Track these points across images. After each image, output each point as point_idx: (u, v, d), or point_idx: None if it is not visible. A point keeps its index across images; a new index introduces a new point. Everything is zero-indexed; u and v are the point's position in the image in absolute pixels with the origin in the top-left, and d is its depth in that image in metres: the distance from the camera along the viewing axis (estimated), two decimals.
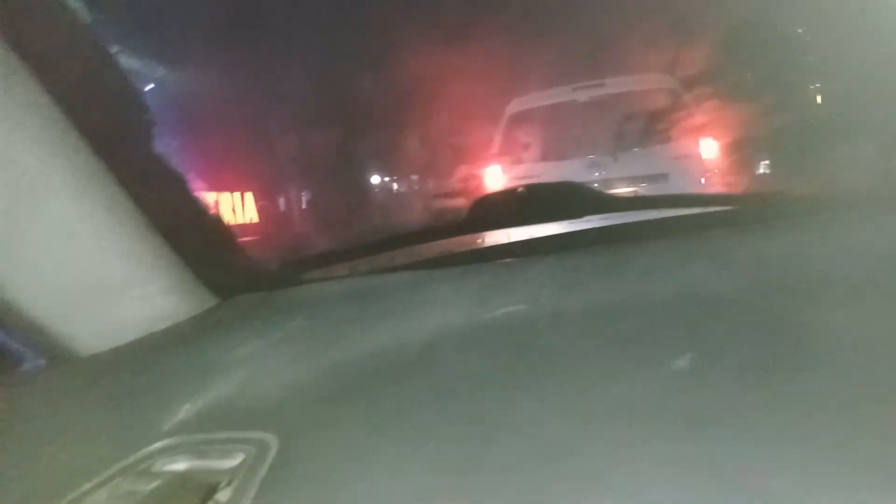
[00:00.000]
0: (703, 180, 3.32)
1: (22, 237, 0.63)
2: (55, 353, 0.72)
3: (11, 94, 0.64)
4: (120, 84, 0.71)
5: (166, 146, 0.81)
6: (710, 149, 3.62)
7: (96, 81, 0.71)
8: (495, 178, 3.49)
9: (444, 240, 1.12)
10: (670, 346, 0.64)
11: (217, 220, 0.91)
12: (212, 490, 0.63)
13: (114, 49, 0.65)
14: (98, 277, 0.72)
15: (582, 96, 4.22)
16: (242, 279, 0.99)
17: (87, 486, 0.63)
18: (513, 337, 0.76)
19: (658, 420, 0.54)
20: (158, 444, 0.67)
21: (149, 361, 0.75)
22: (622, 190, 2.99)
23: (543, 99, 4.39)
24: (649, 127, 3.54)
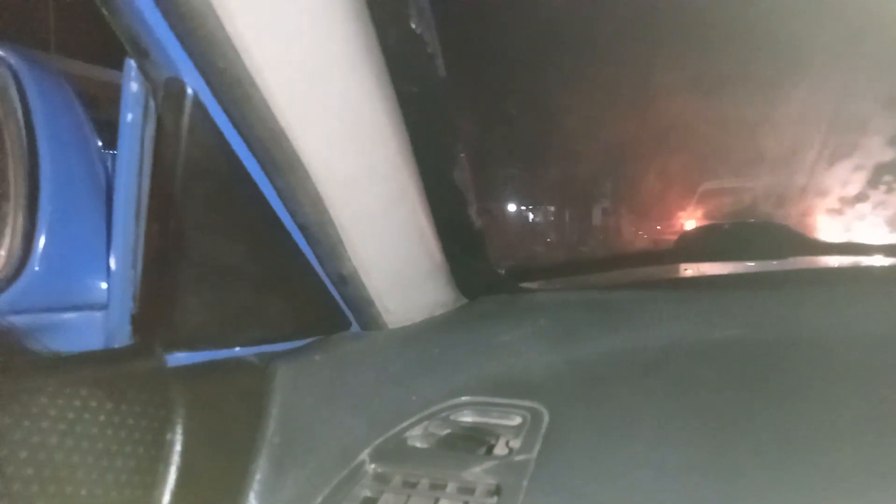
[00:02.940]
0: None
1: (376, 228, 0.85)
2: (371, 323, 0.94)
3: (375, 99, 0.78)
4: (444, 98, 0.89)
5: (455, 156, 0.99)
6: None
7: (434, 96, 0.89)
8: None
9: (657, 265, 1.25)
10: (881, 379, 0.73)
11: (476, 228, 1.10)
12: (492, 441, 0.82)
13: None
14: (412, 267, 0.94)
15: None
16: (485, 283, 1.19)
17: (405, 424, 0.83)
18: (737, 355, 0.88)
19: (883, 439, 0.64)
20: (451, 401, 0.86)
21: (438, 338, 0.96)
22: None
23: None
24: None
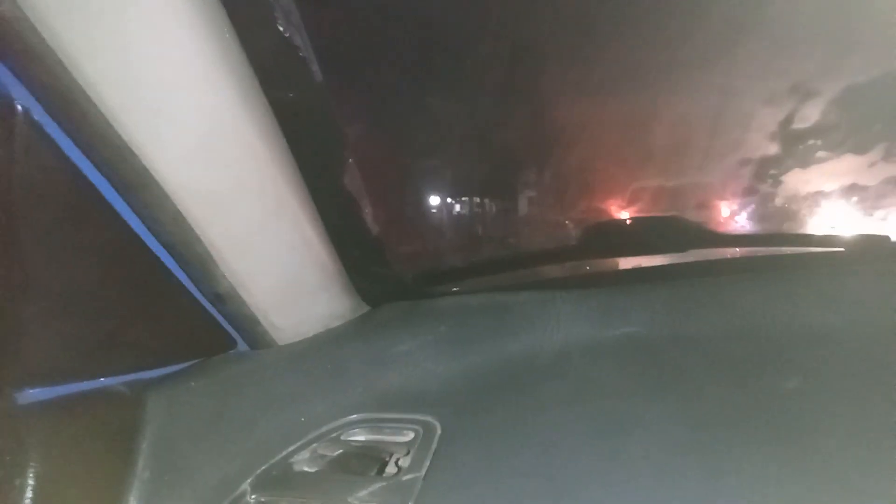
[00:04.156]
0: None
1: (253, 243, 0.80)
2: (259, 341, 0.90)
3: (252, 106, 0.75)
4: (327, 102, 0.85)
5: (344, 162, 0.96)
6: None
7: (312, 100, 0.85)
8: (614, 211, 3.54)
9: (562, 263, 1.25)
10: (780, 370, 0.74)
11: (374, 234, 1.07)
12: (386, 458, 0.79)
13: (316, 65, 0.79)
14: (299, 280, 0.90)
15: None
16: (388, 289, 1.16)
17: (292, 448, 0.80)
18: (634, 354, 0.88)
19: (768, 428, 0.65)
20: (342, 420, 0.84)
21: (330, 352, 0.93)
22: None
23: None
24: None
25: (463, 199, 1.06)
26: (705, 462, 0.63)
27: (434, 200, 1.09)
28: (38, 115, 0.59)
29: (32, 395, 0.67)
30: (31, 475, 0.63)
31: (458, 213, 1.13)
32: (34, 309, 0.66)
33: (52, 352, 0.69)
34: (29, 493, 0.63)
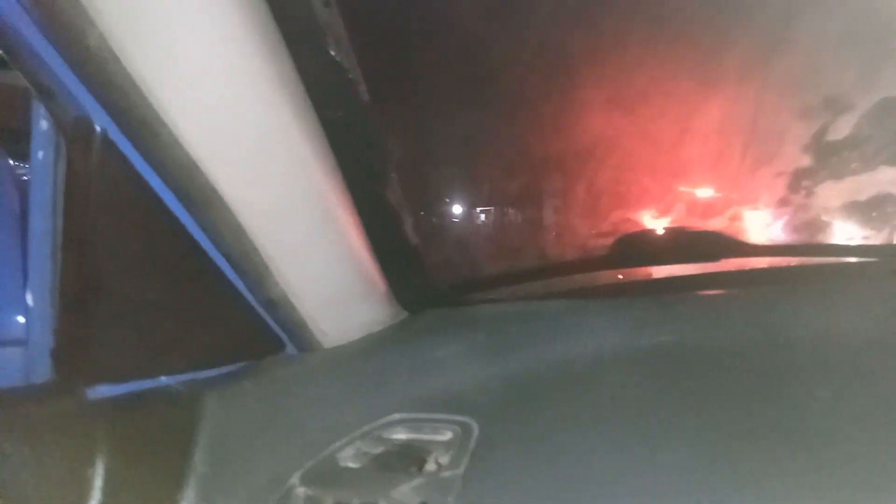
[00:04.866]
0: None
1: (303, 252, 0.86)
2: (306, 344, 0.95)
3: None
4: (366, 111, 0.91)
5: (386, 176, 1.01)
6: None
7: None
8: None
9: (594, 272, 1.28)
10: (814, 380, 0.76)
11: (413, 245, 1.11)
12: (425, 456, 0.83)
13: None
14: (344, 287, 0.95)
15: None
16: (426, 297, 1.20)
17: (337, 444, 0.84)
18: (667, 364, 0.90)
19: (802, 438, 0.67)
20: (384, 419, 0.88)
21: (372, 356, 0.97)
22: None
23: None
24: None
25: (498, 211, 1.10)
26: (740, 471, 0.64)
27: (470, 213, 1.13)
28: (115, 135, 0.65)
29: (101, 391, 0.73)
30: (99, 466, 0.69)
31: (492, 224, 1.17)
32: (105, 312, 0.72)
33: (120, 352, 0.75)
34: (98, 483, 0.68)
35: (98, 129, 0.64)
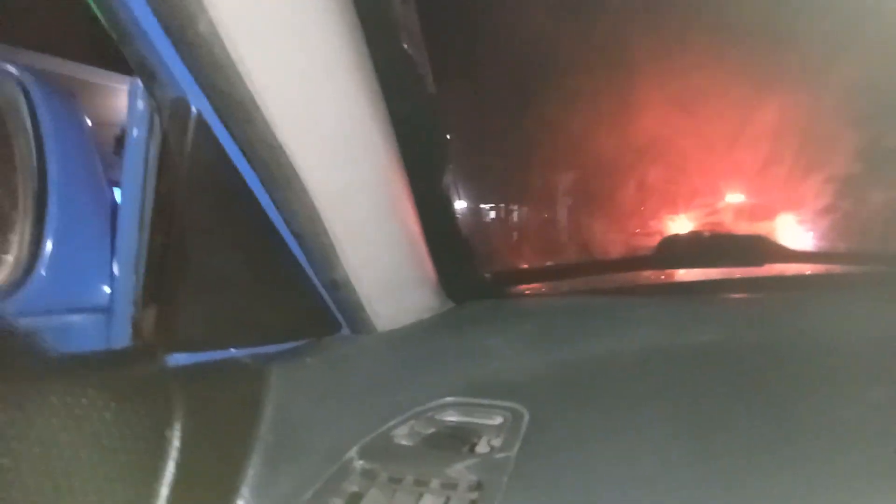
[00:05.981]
0: None
1: (367, 237, 0.89)
2: (361, 326, 0.99)
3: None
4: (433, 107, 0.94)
5: (444, 168, 1.04)
6: None
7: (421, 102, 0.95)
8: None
9: (636, 271, 1.30)
10: (865, 380, 0.77)
11: (464, 236, 1.15)
12: (475, 439, 0.86)
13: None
14: (400, 273, 0.98)
15: None
16: (472, 287, 1.23)
17: (392, 423, 0.88)
18: (712, 362, 0.92)
19: (855, 434, 0.68)
20: (436, 402, 0.91)
21: (424, 341, 1.01)
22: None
23: None
24: None
25: (546, 208, 1.12)
26: (796, 462, 0.66)
27: (519, 209, 1.16)
28: (208, 115, 0.69)
29: (179, 359, 0.78)
30: (177, 428, 0.73)
31: (541, 221, 1.19)
32: (185, 285, 0.77)
33: (195, 323, 0.79)
34: (176, 443, 0.72)
35: (194, 110, 0.68)
